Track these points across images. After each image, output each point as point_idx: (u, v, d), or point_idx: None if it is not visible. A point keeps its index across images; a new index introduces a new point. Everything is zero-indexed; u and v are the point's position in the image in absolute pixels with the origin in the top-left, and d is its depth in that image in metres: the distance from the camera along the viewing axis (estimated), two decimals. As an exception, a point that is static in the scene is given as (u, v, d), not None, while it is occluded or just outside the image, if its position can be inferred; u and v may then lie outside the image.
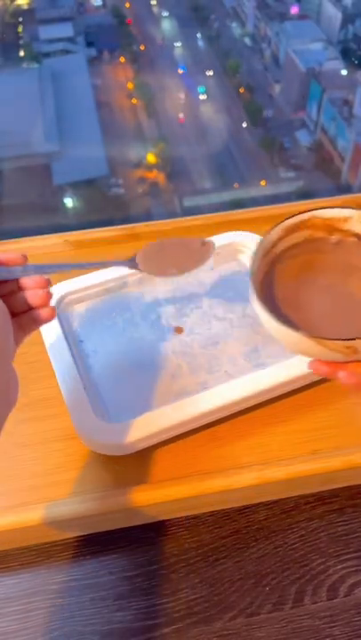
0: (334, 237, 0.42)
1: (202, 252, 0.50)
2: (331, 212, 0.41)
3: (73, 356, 0.50)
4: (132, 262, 0.48)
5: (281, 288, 0.41)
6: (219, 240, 0.59)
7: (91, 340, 0.53)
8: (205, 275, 0.59)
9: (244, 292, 0.54)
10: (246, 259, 0.60)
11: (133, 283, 0.57)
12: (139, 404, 0.48)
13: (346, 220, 0.41)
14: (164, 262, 0.48)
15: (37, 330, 0.53)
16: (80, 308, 0.56)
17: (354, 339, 0.34)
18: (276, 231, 0.41)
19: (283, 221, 0.41)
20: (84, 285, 0.57)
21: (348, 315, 0.40)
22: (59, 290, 0.56)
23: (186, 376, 0.50)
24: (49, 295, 0.40)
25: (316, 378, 0.50)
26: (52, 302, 0.54)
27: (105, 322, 0.55)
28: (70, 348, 0.51)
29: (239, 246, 0.61)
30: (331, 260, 0.42)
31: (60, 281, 0.62)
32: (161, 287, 0.58)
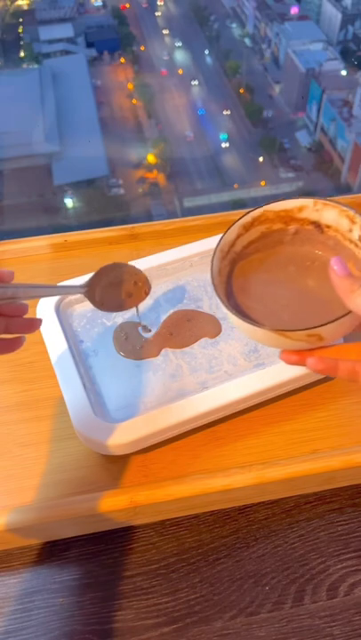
0: (292, 227, 0.42)
1: (139, 290, 0.48)
2: (283, 204, 0.42)
3: (73, 355, 0.51)
4: (83, 288, 0.45)
5: (244, 285, 0.42)
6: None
7: (91, 340, 0.53)
8: (206, 275, 0.59)
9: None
10: None
11: None
12: (139, 403, 0.49)
13: (300, 209, 0.41)
14: (110, 294, 0.47)
15: (38, 330, 0.53)
16: (80, 308, 0.56)
17: (314, 327, 0.35)
18: (233, 230, 0.42)
19: (238, 220, 0.42)
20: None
21: (310, 303, 0.40)
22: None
23: (186, 376, 0.50)
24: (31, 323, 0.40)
25: (316, 377, 0.50)
26: (53, 302, 0.55)
27: (105, 322, 0.55)
28: (70, 348, 0.51)
29: None
30: (290, 251, 0.43)
31: (59, 281, 0.63)
32: (161, 287, 0.58)
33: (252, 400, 0.48)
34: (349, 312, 0.35)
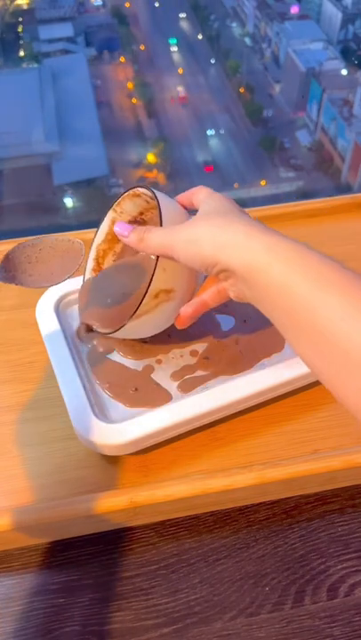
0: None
1: (73, 254, 0.46)
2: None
3: (73, 356, 0.50)
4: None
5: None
6: None
7: (91, 340, 0.53)
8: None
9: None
10: None
11: None
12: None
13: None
14: (37, 268, 0.45)
15: (37, 329, 0.53)
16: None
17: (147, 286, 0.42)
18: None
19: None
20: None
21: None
22: (58, 289, 0.56)
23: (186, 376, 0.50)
24: None
25: (316, 378, 0.50)
26: (53, 302, 0.55)
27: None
28: (70, 348, 0.51)
29: None
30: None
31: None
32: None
33: (253, 400, 0.48)
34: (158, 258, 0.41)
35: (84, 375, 0.50)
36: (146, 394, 0.49)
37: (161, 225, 0.42)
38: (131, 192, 0.48)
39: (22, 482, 0.46)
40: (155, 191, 0.44)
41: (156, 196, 0.43)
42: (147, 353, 0.52)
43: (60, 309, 0.55)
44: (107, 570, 0.44)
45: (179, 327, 0.46)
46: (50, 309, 0.54)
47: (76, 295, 0.56)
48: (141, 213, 0.50)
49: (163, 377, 0.50)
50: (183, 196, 0.45)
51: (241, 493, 0.46)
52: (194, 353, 0.52)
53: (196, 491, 0.44)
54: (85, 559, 0.45)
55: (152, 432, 0.45)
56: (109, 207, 0.50)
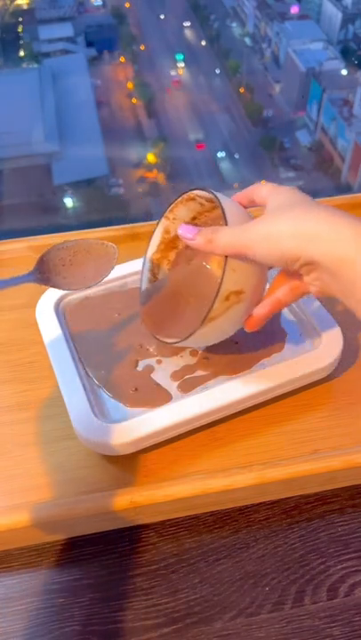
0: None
1: (107, 258, 0.46)
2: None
3: (73, 356, 0.50)
4: (34, 275, 0.44)
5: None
6: None
7: (91, 340, 0.53)
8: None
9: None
10: None
11: (134, 281, 0.57)
12: None
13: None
14: (71, 271, 0.45)
15: (37, 329, 0.53)
16: (80, 308, 0.56)
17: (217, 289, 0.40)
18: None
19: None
20: None
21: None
22: (58, 290, 0.56)
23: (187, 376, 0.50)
24: None
25: (317, 377, 0.50)
26: (53, 302, 0.55)
27: (106, 321, 0.55)
28: (70, 348, 0.51)
29: None
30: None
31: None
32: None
33: (253, 400, 0.48)
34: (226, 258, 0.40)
35: (84, 375, 0.50)
36: (146, 394, 0.49)
37: (226, 225, 0.40)
38: (185, 196, 0.47)
39: (22, 482, 0.46)
40: (214, 192, 0.43)
41: (217, 197, 0.42)
42: (146, 353, 0.52)
43: (60, 309, 0.55)
44: (107, 570, 0.44)
45: (249, 330, 0.44)
46: (50, 309, 0.54)
47: (77, 295, 0.56)
48: (194, 218, 0.49)
49: (163, 377, 0.50)
50: (241, 195, 0.44)
51: (241, 493, 0.46)
52: (194, 353, 0.52)
53: (196, 491, 0.44)
54: (85, 559, 0.45)
55: (152, 432, 0.45)
56: (161, 216, 0.49)
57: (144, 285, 0.51)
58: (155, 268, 0.52)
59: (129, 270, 0.57)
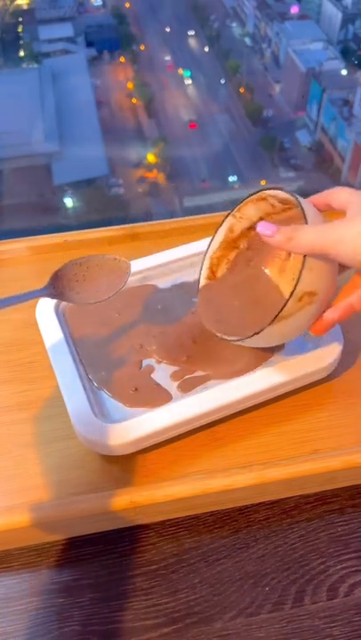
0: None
1: (119, 273, 0.47)
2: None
3: (73, 356, 0.50)
4: (48, 290, 0.45)
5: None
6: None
7: (91, 340, 0.53)
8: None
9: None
10: None
11: (134, 282, 0.57)
12: None
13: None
14: (84, 286, 0.46)
15: (37, 329, 0.53)
16: (81, 307, 0.56)
17: (293, 290, 0.40)
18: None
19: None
20: None
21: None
22: None
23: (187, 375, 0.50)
24: None
25: (317, 377, 0.50)
26: (53, 302, 0.55)
27: (106, 321, 0.55)
28: (70, 348, 0.51)
29: None
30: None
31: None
32: (162, 287, 0.58)
33: (252, 400, 0.48)
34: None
35: (84, 375, 0.50)
36: (146, 394, 0.49)
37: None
38: (256, 196, 0.47)
39: (22, 482, 0.46)
40: (292, 192, 0.43)
41: (296, 197, 0.42)
42: (146, 353, 0.52)
43: (60, 310, 0.55)
44: (107, 570, 0.44)
45: (315, 334, 0.44)
46: (50, 310, 0.54)
47: None
48: (261, 218, 0.49)
49: (163, 377, 0.50)
50: (317, 199, 0.44)
51: (241, 493, 0.46)
52: None
53: (196, 491, 0.44)
54: (85, 559, 0.45)
55: (152, 432, 0.45)
56: (228, 214, 0.49)
57: (202, 282, 0.51)
58: (214, 266, 0.52)
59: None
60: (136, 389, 0.49)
